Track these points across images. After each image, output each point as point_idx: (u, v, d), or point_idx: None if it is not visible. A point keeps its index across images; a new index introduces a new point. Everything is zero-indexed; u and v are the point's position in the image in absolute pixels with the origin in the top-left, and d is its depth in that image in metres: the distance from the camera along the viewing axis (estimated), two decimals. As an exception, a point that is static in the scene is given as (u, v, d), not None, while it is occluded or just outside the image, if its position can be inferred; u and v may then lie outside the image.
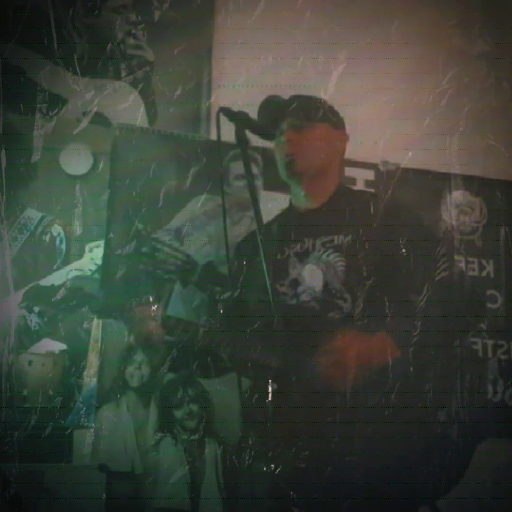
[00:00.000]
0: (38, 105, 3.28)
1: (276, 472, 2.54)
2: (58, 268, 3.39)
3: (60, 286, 3.03)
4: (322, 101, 2.86)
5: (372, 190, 3.41)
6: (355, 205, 2.75)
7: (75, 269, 3.35)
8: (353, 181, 3.49)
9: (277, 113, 2.79)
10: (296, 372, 2.47)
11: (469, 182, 3.52)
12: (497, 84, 3.41)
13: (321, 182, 2.81)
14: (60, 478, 3.10)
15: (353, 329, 2.60)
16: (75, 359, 3.28)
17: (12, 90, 3.15)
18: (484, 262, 3.53)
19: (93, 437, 3.17)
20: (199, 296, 3.13)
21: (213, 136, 2.87)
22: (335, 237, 2.74)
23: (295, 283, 2.74)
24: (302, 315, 2.65)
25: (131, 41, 3.50)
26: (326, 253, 2.73)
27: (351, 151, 3.05)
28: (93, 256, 3.33)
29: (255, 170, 3.26)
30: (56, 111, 3.31)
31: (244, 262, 2.73)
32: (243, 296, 2.69)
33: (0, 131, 3.06)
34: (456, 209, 3.51)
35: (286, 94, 2.88)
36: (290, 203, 2.88)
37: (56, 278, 3.33)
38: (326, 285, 2.70)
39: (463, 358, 2.76)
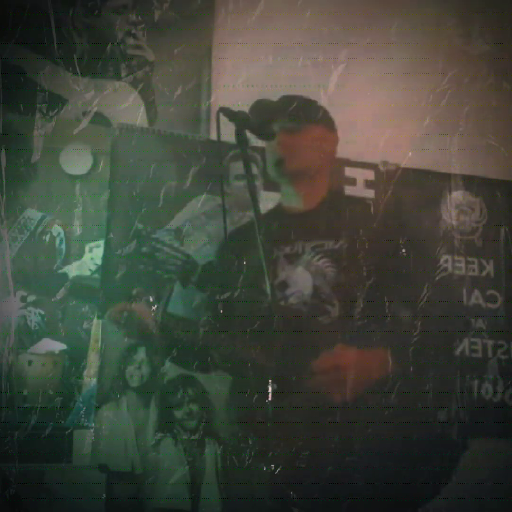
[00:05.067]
0: (38, 105, 3.28)
1: (276, 472, 2.54)
2: (58, 268, 3.39)
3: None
4: (313, 101, 2.86)
5: (366, 196, 3.40)
6: (348, 210, 2.75)
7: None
8: (353, 181, 3.48)
9: (268, 115, 2.79)
10: (292, 371, 2.47)
11: (469, 182, 3.52)
12: (497, 84, 3.41)
13: (312, 183, 2.82)
14: (60, 478, 3.10)
15: (347, 342, 2.60)
16: (75, 359, 3.27)
17: (12, 90, 3.15)
18: (484, 262, 3.52)
19: (93, 437, 3.17)
20: (199, 296, 3.13)
21: (213, 136, 2.87)
22: (326, 243, 2.75)
23: (284, 285, 2.74)
24: (290, 317, 2.66)
25: (131, 41, 3.50)
26: (316, 258, 2.74)
27: (352, 151, 3.05)
28: (93, 256, 3.33)
29: (255, 170, 3.26)
30: (56, 111, 3.31)
31: (244, 262, 2.74)
32: (242, 296, 2.70)
33: (0, 131, 3.06)
34: (456, 209, 3.51)
35: (282, 95, 2.89)
36: (279, 204, 2.89)
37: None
38: (315, 289, 2.70)
39: (463, 358, 2.77)
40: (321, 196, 2.83)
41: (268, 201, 3.16)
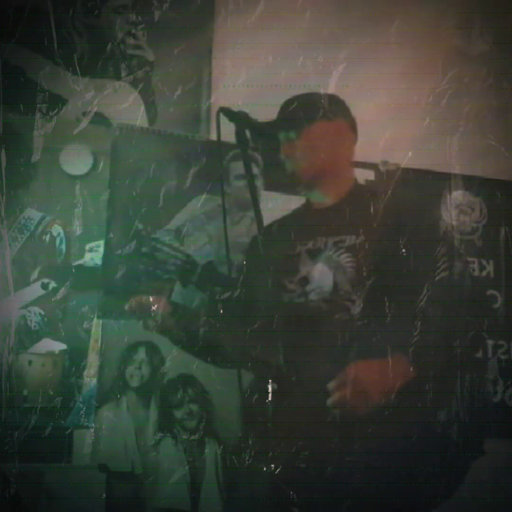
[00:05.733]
0: (38, 105, 3.28)
1: (276, 472, 2.54)
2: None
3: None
4: (314, 96, 2.85)
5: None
6: (369, 205, 2.75)
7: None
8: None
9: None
10: (297, 371, 2.47)
11: (469, 182, 3.52)
12: (497, 84, 3.41)
13: (331, 180, 2.81)
14: (60, 478, 3.10)
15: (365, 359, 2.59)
16: (75, 359, 3.27)
17: (12, 90, 3.15)
18: (484, 262, 3.52)
19: (93, 437, 3.17)
20: (199, 296, 3.13)
21: (213, 136, 2.87)
22: (347, 237, 2.74)
23: (305, 281, 2.74)
24: (309, 314, 2.66)
25: (131, 41, 3.50)
26: (338, 253, 2.73)
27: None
28: (93, 256, 3.33)
29: (255, 170, 3.26)
30: (56, 111, 3.31)
31: (244, 262, 2.74)
32: (244, 296, 2.69)
33: (0, 131, 3.06)
34: (456, 209, 3.51)
35: (285, 95, 2.88)
36: (307, 199, 2.88)
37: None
38: (335, 285, 2.70)
39: (463, 358, 2.77)
40: (345, 188, 2.82)
41: (268, 201, 3.17)
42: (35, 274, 3.22)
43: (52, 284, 3.24)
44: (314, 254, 2.75)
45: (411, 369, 2.58)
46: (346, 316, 2.66)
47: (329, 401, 2.55)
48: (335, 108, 2.84)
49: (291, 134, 2.78)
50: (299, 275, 2.74)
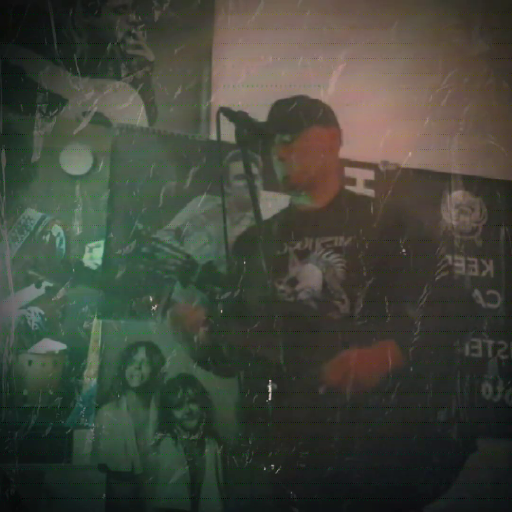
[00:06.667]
0: (38, 105, 3.28)
1: (276, 472, 2.54)
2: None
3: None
4: (305, 98, 2.85)
5: (373, 196, 3.39)
6: (356, 208, 2.75)
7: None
8: (353, 181, 3.48)
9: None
10: (294, 370, 2.47)
11: (469, 182, 3.52)
12: (497, 84, 3.41)
13: (320, 183, 2.81)
14: (60, 478, 3.10)
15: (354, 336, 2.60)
16: (75, 359, 3.28)
17: (12, 90, 3.16)
18: (484, 262, 3.53)
19: (93, 437, 3.17)
20: (199, 296, 3.13)
21: (213, 136, 2.87)
22: (336, 238, 2.74)
23: (294, 281, 2.74)
24: (300, 314, 2.66)
25: (131, 41, 3.50)
26: (326, 254, 2.73)
27: (352, 151, 3.05)
28: (93, 256, 3.33)
29: (255, 170, 3.26)
30: (56, 111, 3.31)
31: (244, 262, 2.73)
32: (243, 296, 2.69)
33: (0, 131, 3.06)
34: (456, 209, 3.51)
35: (286, 95, 2.88)
36: (290, 202, 2.89)
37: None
38: (324, 285, 2.70)
39: (463, 358, 2.77)
40: (333, 193, 2.82)
41: (268, 201, 3.17)
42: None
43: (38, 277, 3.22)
44: (302, 255, 2.75)
45: (400, 353, 2.58)
46: (336, 316, 2.66)
47: (322, 388, 2.55)
48: (324, 114, 2.83)
49: (286, 136, 2.77)
50: (289, 276, 2.74)
